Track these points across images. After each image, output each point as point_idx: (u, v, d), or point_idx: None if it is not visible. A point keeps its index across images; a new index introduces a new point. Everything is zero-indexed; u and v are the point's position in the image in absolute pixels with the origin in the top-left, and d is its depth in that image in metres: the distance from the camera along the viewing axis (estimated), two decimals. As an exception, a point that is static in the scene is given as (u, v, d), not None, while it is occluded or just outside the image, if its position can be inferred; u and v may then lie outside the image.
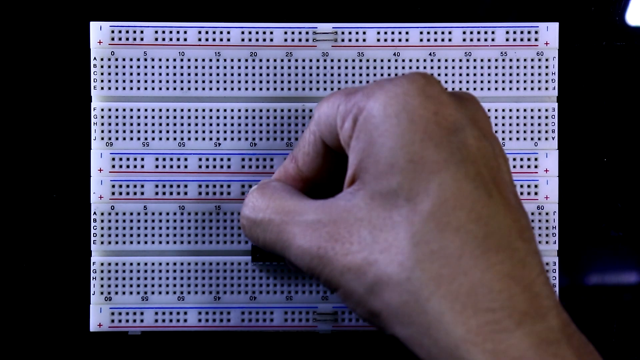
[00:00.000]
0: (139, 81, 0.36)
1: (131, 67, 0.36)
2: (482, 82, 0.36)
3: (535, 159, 0.36)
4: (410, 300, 0.25)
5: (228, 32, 0.36)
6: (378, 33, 0.36)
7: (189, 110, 0.36)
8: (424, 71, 0.28)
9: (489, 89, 0.36)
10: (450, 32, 0.36)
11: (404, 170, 0.25)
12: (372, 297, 0.26)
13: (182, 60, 0.36)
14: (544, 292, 0.25)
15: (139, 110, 0.36)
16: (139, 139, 0.36)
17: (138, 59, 0.36)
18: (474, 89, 0.36)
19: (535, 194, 0.36)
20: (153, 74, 0.36)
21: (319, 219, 0.27)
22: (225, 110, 0.36)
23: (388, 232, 0.25)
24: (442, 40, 0.36)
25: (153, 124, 0.36)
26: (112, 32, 0.36)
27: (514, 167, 0.36)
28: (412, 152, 0.25)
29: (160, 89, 0.36)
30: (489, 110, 0.36)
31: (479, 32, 0.36)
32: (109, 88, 0.36)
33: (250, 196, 0.30)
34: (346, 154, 0.28)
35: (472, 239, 0.25)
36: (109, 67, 0.36)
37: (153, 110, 0.36)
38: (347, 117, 0.27)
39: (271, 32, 0.36)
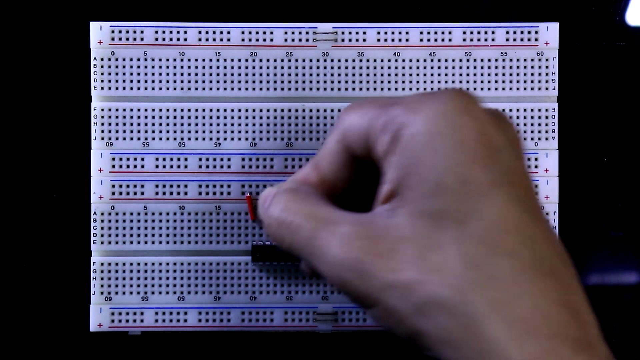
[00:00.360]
0: (139, 81, 0.36)
1: (131, 67, 0.36)
2: (482, 82, 0.36)
3: (535, 159, 0.36)
4: (463, 324, 0.24)
5: (228, 32, 0.36)
6: (378, 33, 0.36)
7: (189, 110, 0.36)
8: (463, 89, 0.28)
9: (489, 89, 0.36)
10: (450, 32, 0.36)
11: (453, 191, 0.25)
12: (419, 317, 0.25)
13: (182, 60, 0.36)
14: (590, 319, 0.25)
15: (139, 110, 0.36)
16: (139, 139, 0.36)
17: (138, 59, 0.36)
18: (474, 88, 0.36)
19: (536, 194, 0.36)
20: (153, 74, 0.36)
21: (356, 232, 0.26)
22: (225, 110, 0.36)
23: (437, 252, 0.25)
24: (442, 40, 0.36)
25: (153, 124, 0.36)
26: (112, 32, 0.36)
27: (514, 167, 0.36)
28: (460, 173, 0.25)
29: (160, 89, 0.36)
30: (489, 110, 0.36)
31: (479, 32, 0.36)
32: (109, 88, 0.36)
33: (280, 197, 0.29)
34: (374, 164, 0.28)
35: (523, 263, 0.24)
36: (109, 67, 0.36)
37: (153, 110, 0.36)
38: (385, 131, 0.27)
39: (271, 32, 0.36)
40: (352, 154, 0.29)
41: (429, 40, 0.36)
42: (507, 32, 0.36)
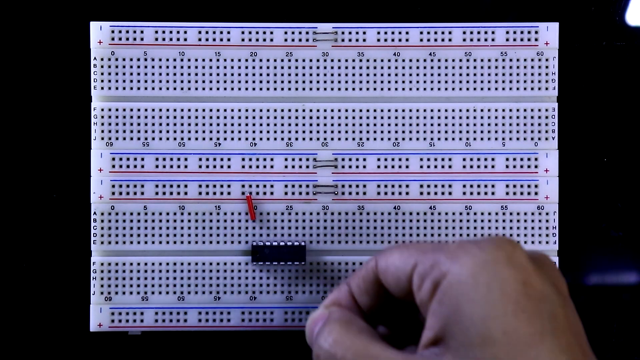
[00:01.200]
0: (139, 81, 0.36)
1: (131, 67, 0.36)
2: (482, 82, 0.36)
3: (535, 159, 0.36)
4: None
5: (228, 32, 0.36)
6: (378, 33, 0.36)
7: (189, 110, 0.36)
8: (507, 237, 0.27)
9: (489, 89, 0.36)
10: (450, 32, 0.36)
11: (498, 342, 0.25)
12: None
13: (182, 60, 0.36)
14: None
15: (139, 110, 0.36)
16: (139, 139, 0.36)
17: (138, 59, 0.36)
18: (474, 88, 0.36)
19: (535, 194, 0.36)
20: (153, 74, 0.36)
21: None
22: (225, 110, 0.36)
23: None
24: (442, 40, 0.36)
25: (153, 124, 0.36)
26: (112, 32, 0.36)
27: (514, 167, 0.36)
28: (505, 324, 0.25)
29: (160, 89, 0.36)
30: (489, 110, 0.36)
31: (479, 32, 0.36)
32: (109, 88, 0.36)
33: (331, 327, 0.29)
34: (413, 303, 0.28)
35: None
36: (109, 67, 0.36)
37: (153, 110, 0.36)
38: (426, 278, 0.27)
39: (271, 32, 0.36)
40: (385, 289, 0.29)
41: (429, 40, 0.36)
42: (507, 32, 0.36)
